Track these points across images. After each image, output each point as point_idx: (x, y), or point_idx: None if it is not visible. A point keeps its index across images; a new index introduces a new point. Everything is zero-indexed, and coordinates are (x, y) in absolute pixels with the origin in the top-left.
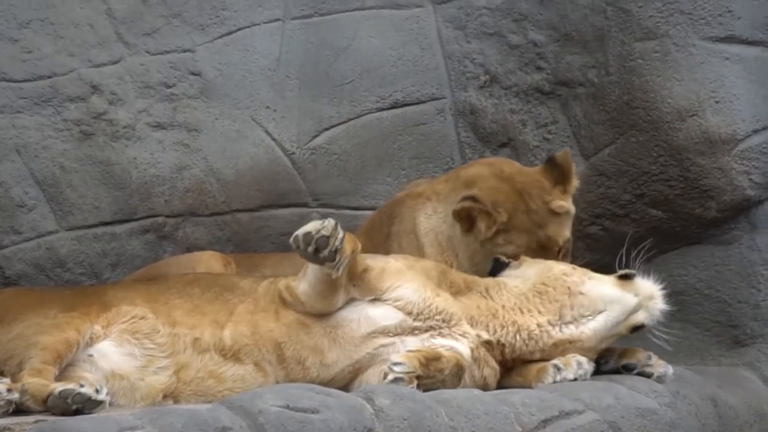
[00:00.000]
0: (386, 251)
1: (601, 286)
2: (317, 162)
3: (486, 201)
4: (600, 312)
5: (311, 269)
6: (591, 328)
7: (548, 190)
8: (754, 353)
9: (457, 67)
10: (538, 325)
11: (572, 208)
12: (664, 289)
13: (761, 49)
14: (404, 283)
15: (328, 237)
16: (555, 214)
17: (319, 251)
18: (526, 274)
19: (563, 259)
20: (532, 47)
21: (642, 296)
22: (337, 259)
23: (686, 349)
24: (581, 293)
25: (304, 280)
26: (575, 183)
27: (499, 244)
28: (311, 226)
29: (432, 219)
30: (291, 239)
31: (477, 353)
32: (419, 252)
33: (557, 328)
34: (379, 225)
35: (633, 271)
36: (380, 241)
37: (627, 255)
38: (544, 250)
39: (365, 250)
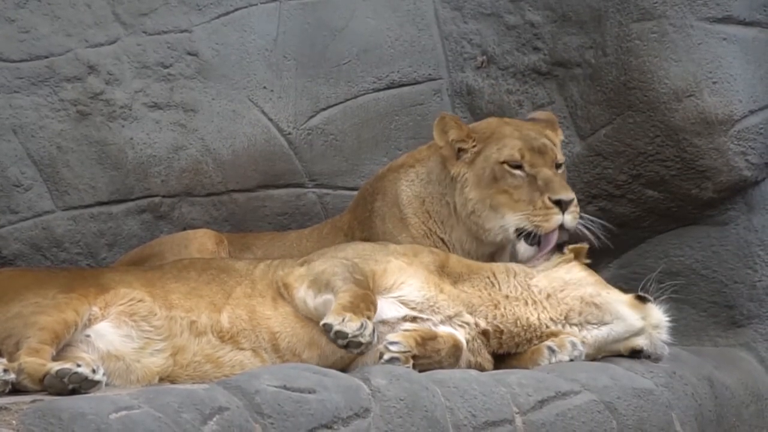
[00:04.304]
0: (370, 228)
1: (614, 302)
2: (314, 142)
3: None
4: (605, 324)
5: (324, 302)
6: (593, 335)
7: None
8: (750, 334)
9: (454, 48)
10: (539, 319)
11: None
12: (670, 322)
13: (758, 30)
14: (407, 279)
15: (362, 343)
16: (547, 123)
17: (348, 348)
18: (554, 275)
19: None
20: (529, 28)
21: (648, 322)
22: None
23: (683, 329)
24: (594, 304)
25: (309, 294)
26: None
27: (492, 156)
28: (348, 327)
29: (415, 185)
30: (322, 323)
31: (473, 344)
32: (402, 224)
33: (559, 326)
34: (363, 202)
35: (649, 297)
36: (365, 218)
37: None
38: (542, 154)
39: (352, 229)
